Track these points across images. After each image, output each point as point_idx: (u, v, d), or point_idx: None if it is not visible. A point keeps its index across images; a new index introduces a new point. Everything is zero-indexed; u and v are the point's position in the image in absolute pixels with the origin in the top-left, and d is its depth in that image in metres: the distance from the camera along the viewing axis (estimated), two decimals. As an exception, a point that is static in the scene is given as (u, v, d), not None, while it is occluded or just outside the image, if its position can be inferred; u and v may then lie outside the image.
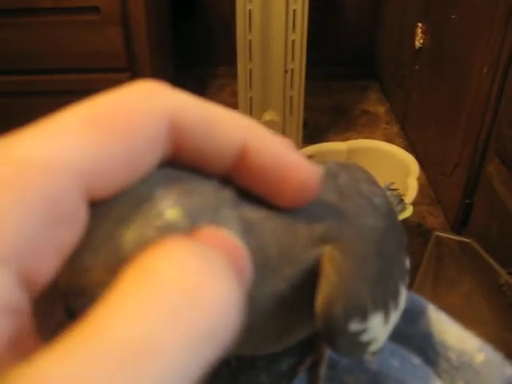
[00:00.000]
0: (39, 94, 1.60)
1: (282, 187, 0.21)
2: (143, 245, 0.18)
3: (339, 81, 2.26)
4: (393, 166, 1.31)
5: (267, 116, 1.65)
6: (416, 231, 1.41)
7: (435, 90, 1.54)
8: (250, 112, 1.64)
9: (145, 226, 0.18)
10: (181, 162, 0.20)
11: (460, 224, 1.35)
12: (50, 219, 0.15)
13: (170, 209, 0.19)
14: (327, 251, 0.24)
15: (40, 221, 0.15)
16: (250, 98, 1.64)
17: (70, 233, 0.16)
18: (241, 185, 0.21)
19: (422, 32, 1.64)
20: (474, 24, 1.24)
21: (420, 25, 1.64)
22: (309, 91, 1.68)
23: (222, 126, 0.19)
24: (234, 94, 1.71)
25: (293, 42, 1.50)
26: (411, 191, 1.19)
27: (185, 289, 0.15)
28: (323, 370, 0.33)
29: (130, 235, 0.18)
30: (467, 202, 1.30)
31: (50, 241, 0.16)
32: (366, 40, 2.27)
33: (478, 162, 1.24)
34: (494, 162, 1.15)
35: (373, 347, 0.26)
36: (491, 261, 0.98)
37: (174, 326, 0.14)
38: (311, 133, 1.83)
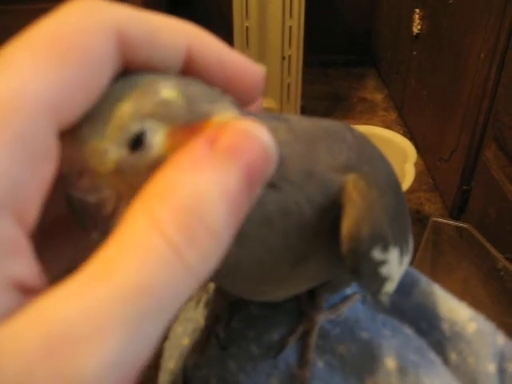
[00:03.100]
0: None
1: (230, 87, 0.21)
2: (140, 117, 0.19)
3: (337, 68, 2.25)
4: (390, 152, 1.30)
5: (265, 103, 1.64)
6: (414, 218, 1.41)
7: (433, 76, 1.53)
8: (248, 99, 1.63)
9: (142, 101, 0.19)
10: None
11: (458, 210, 1.35)
12: (28, 157, 0.15)
13: (167, 88, 0.19)
14: (352, 178, 0.25)
15: (21, 161, 0.15)
16: (248, 86, 1.62)
17: (48, 166, 0.16)
18: None
19: (419, 18, 1.63)
20: (472, 9, 1.24)
21: (417, 11, 1.64)
22: (306, 78, 1.67)
23: (165, 33, 0.20)
24: (232, 81, 1.70)
25: (290, 28, 1.49)
26: (408, 177, 1.18)
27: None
28: (314, 339, 0.33)
29: (126, 108, 0.19)
30: (465, 187, 1.30)
31: (32, 179, 0.16)
32: (363, 27, 2.26)
33: (475, 147, 1.24)
34: (492, 147, 1.15)
35: (388, 286, 0.27)
36: (489, 246, 0.98)
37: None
38: (309, 120, 1.82)
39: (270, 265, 0.25)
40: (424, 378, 0.31)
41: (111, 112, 0.19)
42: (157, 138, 0.19)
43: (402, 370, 0.31)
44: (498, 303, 0.96)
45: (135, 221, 0.15)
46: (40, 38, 0.17)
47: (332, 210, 0.24)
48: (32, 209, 0.16)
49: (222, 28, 2.10)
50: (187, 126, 0.19)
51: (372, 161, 0.27)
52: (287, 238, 0.24)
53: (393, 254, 0.26)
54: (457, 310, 0.35)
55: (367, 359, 0.32)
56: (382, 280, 0.27)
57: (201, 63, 0.20)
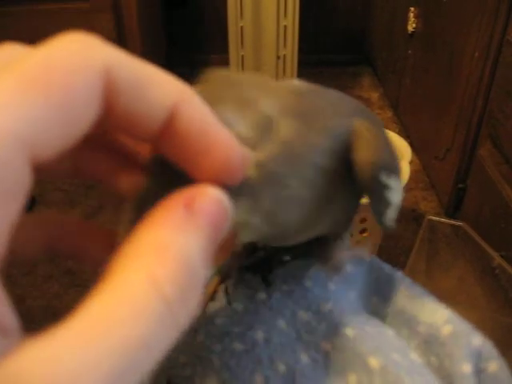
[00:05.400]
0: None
1: (203, 161, 0.20)
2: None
3: (332, 67, 2.25)
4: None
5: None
6: (410, 216, 1.42)
7: (428, 75, 1.54)
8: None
9: None
10: (109, 126, 0.19)
11: (453, 208, 1.35)
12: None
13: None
14: (358, 120, 0.30)
15: None
16: (243, 85, 1.63)
17: (18, 203, 0.16)
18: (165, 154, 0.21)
19: (414, 16, 1.63)
20: (466, 8, 1.24)
21: (412, 9, 1.64)
22: (301, 78, 1.67)
23: (154, 86, 0.19)
24: (227, 81, 1.70)
25: (285, 27, 1.50)
26: (403, 175, 1.19)
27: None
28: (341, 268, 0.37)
29: None
30: (460, 186, 1.31)
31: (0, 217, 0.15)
32: (358, 25, 2.27)
33: (470, 146, 1.24)
34: (486, 145, 1.15)
35: (390, 212, 0.32)
36: (484, 244, 0.98)
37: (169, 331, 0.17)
38: (304, 119, 1.82)
39: (302, 214, 0.29)
40: (405, 377, 0.31)
41: None
42: None
43: (384, 368, 0.31)
44: (493, 301, 0.96)
45: (133, 276, 0.16)
46: (24, 71, 0.16)
47: (342, 152, 0.29)
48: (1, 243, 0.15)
49: (217, 28, 2.11)
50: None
51: (370, 115, 0.33)
52: (312, 189, 0.28)
53: (394, 181, 0.31)
54: (434, 313, 0.35)
55: (350, 357, 0.32)
56: (387, 204, 0.31)
57: (183, 126, 0.19)
